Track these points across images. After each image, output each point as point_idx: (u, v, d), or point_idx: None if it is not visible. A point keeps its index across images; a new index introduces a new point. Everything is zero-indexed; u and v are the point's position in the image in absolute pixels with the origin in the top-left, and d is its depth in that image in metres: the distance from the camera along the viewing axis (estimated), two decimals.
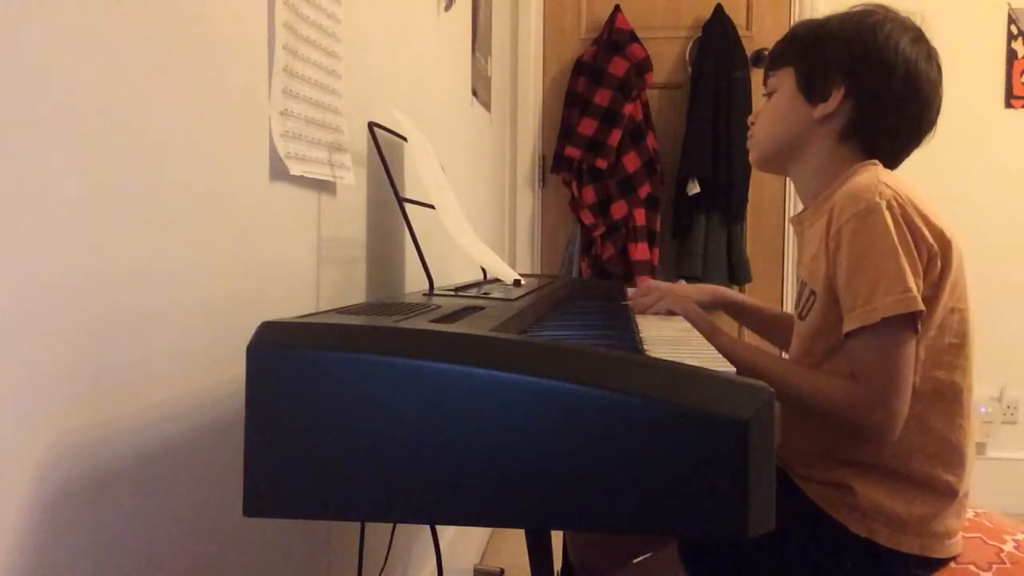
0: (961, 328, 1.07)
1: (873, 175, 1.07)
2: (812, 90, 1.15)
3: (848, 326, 1.02)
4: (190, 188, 0.81)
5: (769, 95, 1.22)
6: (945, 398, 1.06)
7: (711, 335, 1.10)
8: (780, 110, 1.19)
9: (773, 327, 1.46)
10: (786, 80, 1.18)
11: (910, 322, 1.00)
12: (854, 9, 1.17)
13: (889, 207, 1.01)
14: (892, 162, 1.16)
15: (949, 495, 1.06)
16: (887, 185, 1.03)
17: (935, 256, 1.03)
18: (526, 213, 3.13)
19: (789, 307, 3.03)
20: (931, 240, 1.02)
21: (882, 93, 1.12)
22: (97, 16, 0.67)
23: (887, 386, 1.01)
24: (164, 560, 0.78)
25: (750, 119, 1.26)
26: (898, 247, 1.00)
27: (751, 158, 1.26)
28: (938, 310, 1.04)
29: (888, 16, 1.14)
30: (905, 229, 1.01)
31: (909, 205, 1.03)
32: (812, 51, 1.16)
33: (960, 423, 1.07)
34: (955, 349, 1.07)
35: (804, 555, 1.07)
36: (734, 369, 0.69)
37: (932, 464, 1.06)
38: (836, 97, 1.13)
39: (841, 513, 1.06)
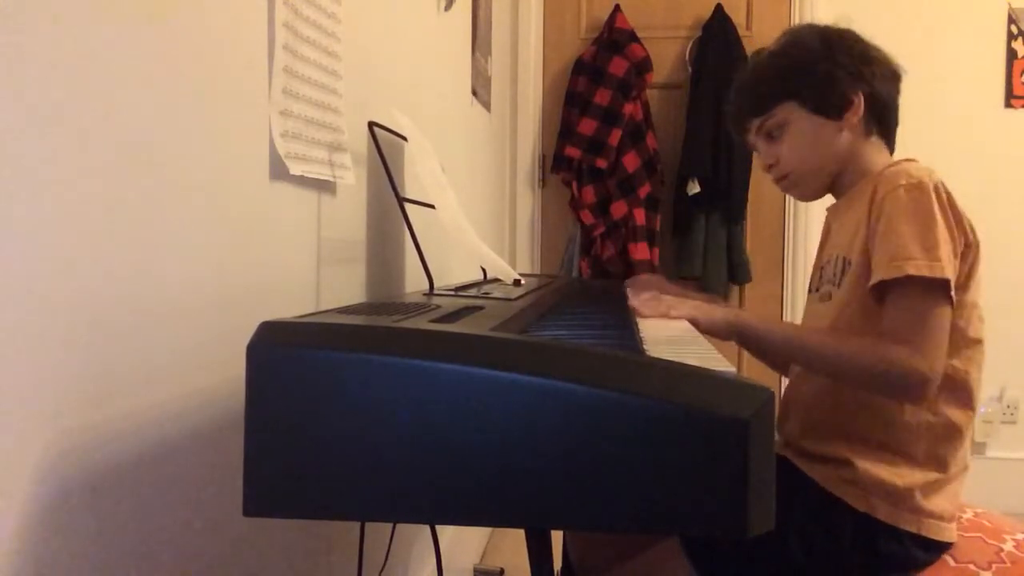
0: (980, 325, 1.12)
1: (921, 165, 1.13)
2: (830, 105, 1.19)
3: (873, 279, 1.06)
4: (190, 188, 0.81)
5: (775, 134, 1.23)
6: (958, 387, 1.10)
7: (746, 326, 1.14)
8: (809, 138, 1.21)
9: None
10: (793, 111, 1.21)
11: (941, 289, 1.02)
12: (800, 32, 1.25)
13: (936, 190, 1.06)
14: (893, 136, 1.23)
15: (942, 467, 1.10)
16: (935, 173, 1.09)
17: (970, 246, 1.08)
18: (526, 213, 3.13)
19: (788, 309, 3.03)
20: (968, 231, 1.08)
21: (876, 75, 1.19)
22: (97, 16, 0.67)
23: (923, 340, 1.02)
24: (164, 560, 0.78)
25: (767, 163, 1.26)
26: (940, 221, 1.04)
27: (799, 195, 1.28)
28: (968, 299, 1.09)
29: (814, 26, 1.24)
30: (949, 212, 1.06)
31: (952, 197, 1.08)
32: (810, 74, 1.19)
33: (968, 412, 1.11)
34: (975, 344, 1.11)
35: (805, 537, 1.09)
36: (734, 369, 0.69)
37: (937, 444, 1.10)
38: (857, 98, 1.18)
39: (840, 488, 1.09)
